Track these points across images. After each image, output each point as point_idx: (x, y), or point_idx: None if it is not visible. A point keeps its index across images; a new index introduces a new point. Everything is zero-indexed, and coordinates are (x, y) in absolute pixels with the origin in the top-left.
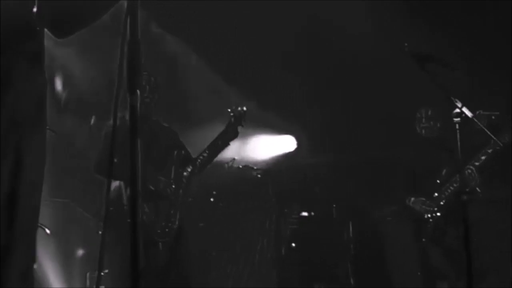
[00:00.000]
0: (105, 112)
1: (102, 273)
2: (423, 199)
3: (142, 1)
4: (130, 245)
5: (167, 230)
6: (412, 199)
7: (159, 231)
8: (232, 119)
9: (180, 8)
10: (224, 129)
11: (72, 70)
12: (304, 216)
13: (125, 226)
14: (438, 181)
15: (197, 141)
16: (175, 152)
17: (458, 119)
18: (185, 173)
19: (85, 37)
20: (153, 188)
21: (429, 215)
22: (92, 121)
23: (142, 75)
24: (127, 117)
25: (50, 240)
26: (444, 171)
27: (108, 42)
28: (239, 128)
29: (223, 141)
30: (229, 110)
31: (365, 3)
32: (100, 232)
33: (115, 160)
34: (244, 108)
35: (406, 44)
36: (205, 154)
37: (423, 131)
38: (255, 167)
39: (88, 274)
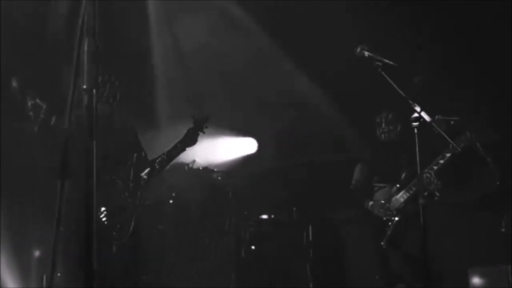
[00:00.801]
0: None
1: (58, 275)
2: (382, 202)
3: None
4: (84, 247)
5: (122, 232)
6: (371, 202)
7: (114, 233)
8: (193, 126)
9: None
10: (184, 135)
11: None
12: (264, 219)
13: (80, 227)
14: (397, 185)
15: (157, 142)
16: (135, 154)
17: (417, 123)
18: (143, 176)
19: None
20: (111, 190)
21: (388, 219)
22: (53, 120)
23: (100, 74)
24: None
25: (7, 241)
26: (403, 175)
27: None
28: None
29: (182, 146)
30: (192, 116)
31: (326, 4)
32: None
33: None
34: (206, 115)
35: (362, 46)
36: (163, 157)
37: (383, 136)
38: (215, 169)
39: (45, 276)
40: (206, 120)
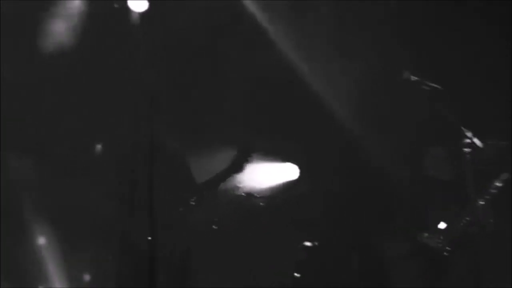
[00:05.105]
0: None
1: None
2: (437, 234)
3: None
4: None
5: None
6: (426, 234)
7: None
8: (239, 153)
9: None
10: (230, 163)
11: None
12: (308, 246)
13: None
14: (450, 215)
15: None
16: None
17: (469, 149)
18: (192, 200)
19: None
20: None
21: (442, 250)
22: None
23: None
24: None
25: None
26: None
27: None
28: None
29: (229, 172)
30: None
31: None
32: None
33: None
34: (251, 145)
35: (407, 71)
36: (211, 180)
37: (434, 171)
38: (257, 195)
39: None
40: (251, 150)
